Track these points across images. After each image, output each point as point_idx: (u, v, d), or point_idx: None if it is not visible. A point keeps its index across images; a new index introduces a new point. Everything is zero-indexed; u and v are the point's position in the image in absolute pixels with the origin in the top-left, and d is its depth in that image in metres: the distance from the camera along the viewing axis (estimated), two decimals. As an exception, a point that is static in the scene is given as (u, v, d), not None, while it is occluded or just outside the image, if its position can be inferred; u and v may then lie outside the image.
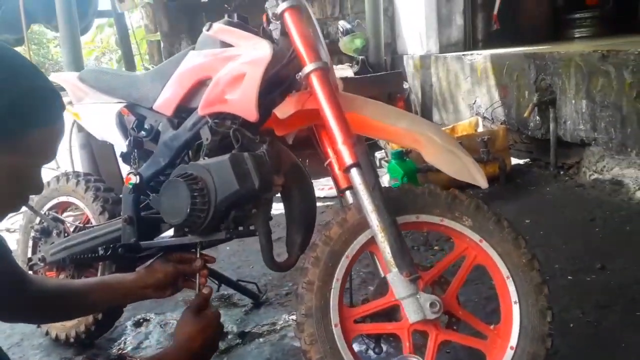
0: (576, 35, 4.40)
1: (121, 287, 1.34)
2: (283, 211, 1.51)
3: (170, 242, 1.45)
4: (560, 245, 2.24)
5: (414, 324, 1.19)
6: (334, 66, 2.57)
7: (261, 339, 1.80)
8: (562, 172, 3.15)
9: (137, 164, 1.51)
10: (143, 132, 1.50)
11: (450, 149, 1.33)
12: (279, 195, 1.48)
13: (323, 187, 3.30)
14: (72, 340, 1.80)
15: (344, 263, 1.26)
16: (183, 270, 1.37)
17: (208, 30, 1.35)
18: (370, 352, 1.45)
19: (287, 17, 1.26)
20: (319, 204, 1.61)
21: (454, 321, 1.29)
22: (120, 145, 1.58)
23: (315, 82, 1.23)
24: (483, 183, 1.33)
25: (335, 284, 1.25)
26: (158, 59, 5.26)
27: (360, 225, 1.26)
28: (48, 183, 1.86)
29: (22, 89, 0.85)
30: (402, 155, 2.88)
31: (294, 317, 1.87)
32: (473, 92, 3.89)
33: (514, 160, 3.44)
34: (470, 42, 4.51)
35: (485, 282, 1.82)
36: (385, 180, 3.02)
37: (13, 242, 1.97)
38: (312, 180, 1.58)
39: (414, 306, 1.17)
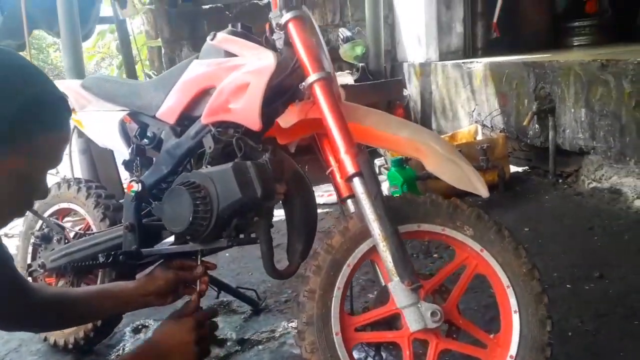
0: (575, 44, 4.41)
1: (122, 295, 1.34)
2: (282, 218, 1.52)
3: (171, 250, 1.45)
4: (559, 254, 2.25)
5: (414, 332, 1.19)
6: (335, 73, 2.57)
7: (260, 346, 1.80)
8: (560, 181, 3.16)
9: (140, 172, 1.52)
10: (146, 140, 1.50)
11: (452, 158, 1.34)
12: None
13: (323, 194, 3.30)
14: (70, 346, 1.79)
15: (345, 272, 1.26)
16: (184, 277, 1.37)
17: (212, 39, 1.35)
18: (370, 360, 1.45)
19: (292, 27, 1.27)
20: (318, 210, 1.62)
21: (454, 330, 1.29)
22: (123, 152, 1.58)
23: (318, 91, 1.24)
24: (484, 192, 1.34)
25: (337, 293, 1.25)
26: (158, 65, 5.28)
27: (362, 234, 1.26)
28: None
29: (31, 95, 0.86)
30: (401, 163, 2.89)
31: (293, 324, 1.87)
32: (472, 100, 3.90)
33: (513, 168, 3.45)
34: (470, 50, 4.53)
35: (484, 290, 1.82)
36: (384, 187, 3.03)
37: (11, 248, 1.96)
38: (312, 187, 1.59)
39: (415, 315, 1.18)
